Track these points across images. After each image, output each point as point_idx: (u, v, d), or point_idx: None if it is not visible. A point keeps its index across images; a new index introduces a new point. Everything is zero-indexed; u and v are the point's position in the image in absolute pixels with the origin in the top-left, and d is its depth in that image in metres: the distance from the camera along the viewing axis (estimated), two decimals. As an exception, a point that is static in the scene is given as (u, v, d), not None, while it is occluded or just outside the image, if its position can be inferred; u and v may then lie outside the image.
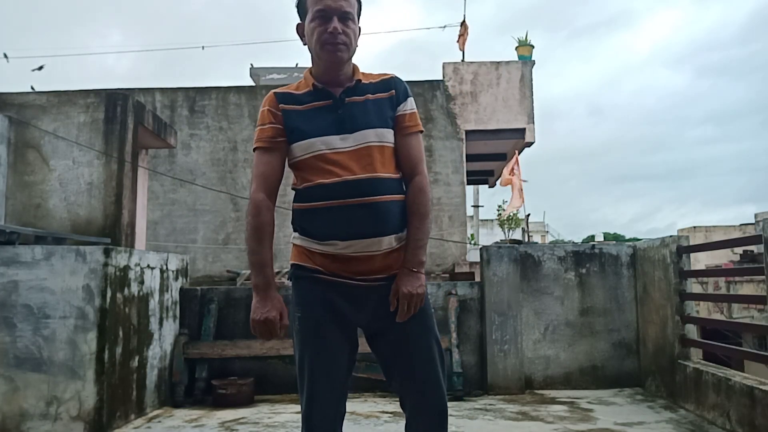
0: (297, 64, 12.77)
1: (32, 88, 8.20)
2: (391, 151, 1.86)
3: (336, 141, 1.80)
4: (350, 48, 1.85)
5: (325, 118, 1.83)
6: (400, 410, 4.44)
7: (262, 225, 1.85)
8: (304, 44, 1.92)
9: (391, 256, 1.83)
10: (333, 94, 1.85)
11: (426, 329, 1.87)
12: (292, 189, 1.90)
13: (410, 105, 1.92)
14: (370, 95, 1.87)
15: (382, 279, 1.84)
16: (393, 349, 1.88)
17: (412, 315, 1.83)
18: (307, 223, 1.86)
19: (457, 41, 11.23)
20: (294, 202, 1.90)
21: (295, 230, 1.93)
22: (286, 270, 9.12)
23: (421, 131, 1.95)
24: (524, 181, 9.61)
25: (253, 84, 11.91)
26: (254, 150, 1.91)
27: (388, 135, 1.85)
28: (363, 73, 1.93)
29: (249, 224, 1.86)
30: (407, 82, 2.00)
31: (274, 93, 1.91)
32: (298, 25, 1.93)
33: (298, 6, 1.92)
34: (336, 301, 1.84)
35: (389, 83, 1.91)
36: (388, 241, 1.81)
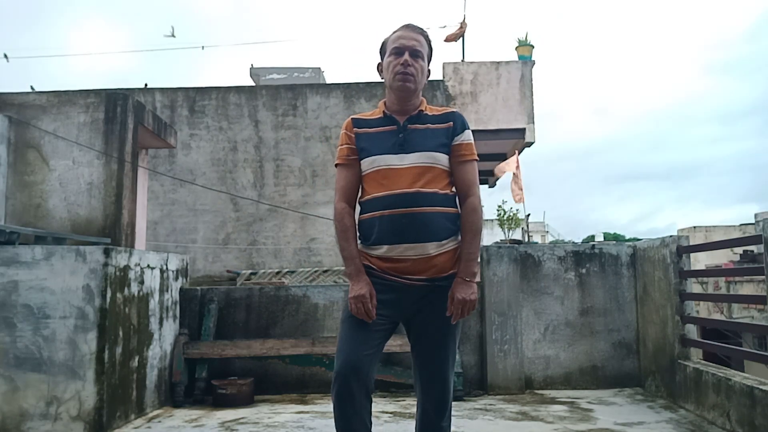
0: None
1: (32, 88, 8.20)
2: (441, 171, 2.14)
3: (393, 159, 2.13)
4: (417, 80, 2.17)
5: (388, 140, 2.17)
6: (400, 410, 4.47)
7: (347, 228, 2.20)
8: (383, 78, 2.25)
9: (432, 261, 2.11)
10: (398, 120, 2.19)
11: (449, 332, 2.17)
12: (358, 203, 2.23)
13: (466, 137, 2.21)
14: (430, 125, 2.19)
15: (423, 280, 2.12)
16: (418, 340, 2.20)
17: (440, 317, 2.12)
18: (365, 230, 2.19)
19: (449, 38, 11.15)
20: (359, 214, 2.22)
21: (358, 238, 2.23)
22: (287, 270, 9.14)
23: (476, 159, 2.24)
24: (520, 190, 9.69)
25: (253, 84, 11.91)
26: (336, 166, 2.27)
27: (439, 158, 2.14)
28: (429, 107, 2.25)
29: (336, 228, 2.22)
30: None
31: (352, 118, 2.27)
32: (378, 63, 2.27)
33: (380, 49, 2.27)
34: (378, 294, 2.12)
35: (449, 116, 2.22)
36: (429, 248, 2.09)
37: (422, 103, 2.24)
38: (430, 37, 2.26)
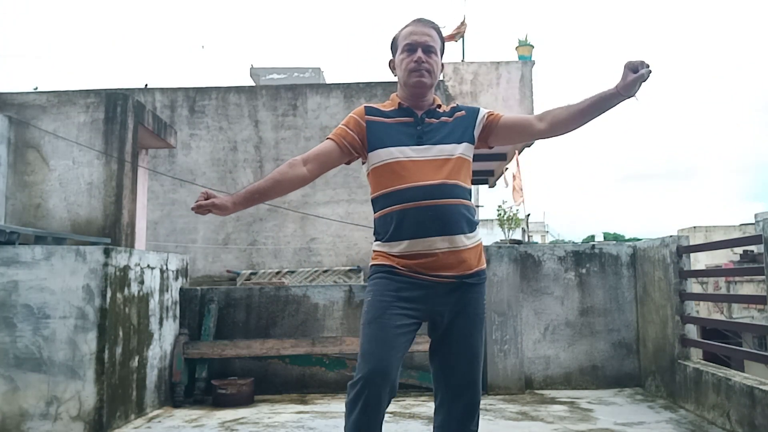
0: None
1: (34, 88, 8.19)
2: (461, 162, 2.09)
3: (412, 152, 2.06)
4: (432, 75, 2.13)
5: (405, 131, 2.10)
6: (400, 410, 4.45)
7: (277, 171, 2.10)
8: (395, 76, 2.21)
9: (462, 254, 2.03)
10: (415, 112, 2.14)
11: (476, 331, 2.09)
12: (371, 200, 2.15)
13: (484, 109, 2.20)
14: (444, 118, 2.15)
15: (452, 276, 2.03)
16: (445, 342, 2.09)
17: (466, 315, 2.05)
18: (380, 226, 2.09)
19: (453, 37, 11.23)
20: (374, 211, 2.13)
21: (376, 239, 2.14)
22: (287, 270, 9.14)
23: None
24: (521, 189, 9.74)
25: (253, 84, 11.91)
26: (326, 139, 2.17)
27: (457, 149, 2.09)
28: (440, 105, 2.21)
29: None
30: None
31: (365, 106, 2.19)
32: (390, 60, 2.23)
33: (391, 45, 2.23)
34: (403, 293, 2.02)
35: (457, 108, 2.22)
36: (455, 240, 2.01)
37: (435, 100, 2.20)
38: (442, 31, 2.23)
